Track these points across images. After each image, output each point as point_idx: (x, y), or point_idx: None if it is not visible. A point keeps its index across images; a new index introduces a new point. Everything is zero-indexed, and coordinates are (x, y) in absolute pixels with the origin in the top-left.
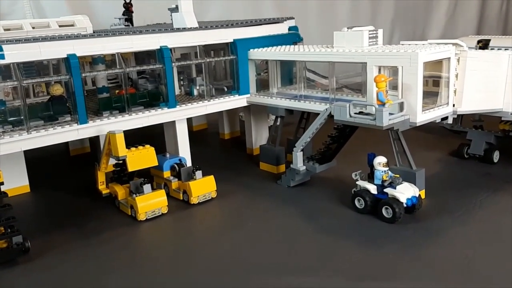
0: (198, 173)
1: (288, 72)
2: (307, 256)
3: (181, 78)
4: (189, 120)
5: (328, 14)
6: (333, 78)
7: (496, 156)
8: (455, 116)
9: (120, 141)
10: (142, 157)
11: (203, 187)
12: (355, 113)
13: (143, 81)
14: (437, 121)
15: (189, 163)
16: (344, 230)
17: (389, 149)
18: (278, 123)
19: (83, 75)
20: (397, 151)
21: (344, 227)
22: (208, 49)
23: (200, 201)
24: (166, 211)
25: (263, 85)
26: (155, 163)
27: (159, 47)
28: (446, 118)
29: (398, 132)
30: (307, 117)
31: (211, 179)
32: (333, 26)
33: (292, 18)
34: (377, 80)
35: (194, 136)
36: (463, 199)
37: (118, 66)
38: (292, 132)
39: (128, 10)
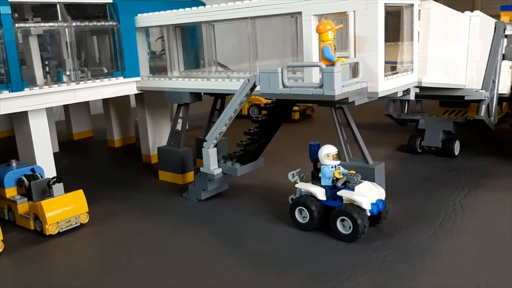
0: (57, 188)
1: (194, 51)
2: None
3: (47, 62)
4: (68, 127)
5: None
6: (256, 42)
7: (457, 148)
8: (418, 91)
9: None
10: None
11: (65, 208)
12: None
13: None
14: (398, 95)
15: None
16: (284, 258)
17: (332, 141)
18: (181, 114)
19: None
20: (345, 140)
21: (283, 254)
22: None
23: (62, 231)
24: (0, 250)
25: (160, 71)
26: None
27: None
28: (408, 92)
29: (346, 112)
30: (221, 106)
31: (79, 195)
32: None
33: None
34: (321, 29)
35: (74, 146)
36: (438, 202)
37: None
38: (200, 134)
39: None
